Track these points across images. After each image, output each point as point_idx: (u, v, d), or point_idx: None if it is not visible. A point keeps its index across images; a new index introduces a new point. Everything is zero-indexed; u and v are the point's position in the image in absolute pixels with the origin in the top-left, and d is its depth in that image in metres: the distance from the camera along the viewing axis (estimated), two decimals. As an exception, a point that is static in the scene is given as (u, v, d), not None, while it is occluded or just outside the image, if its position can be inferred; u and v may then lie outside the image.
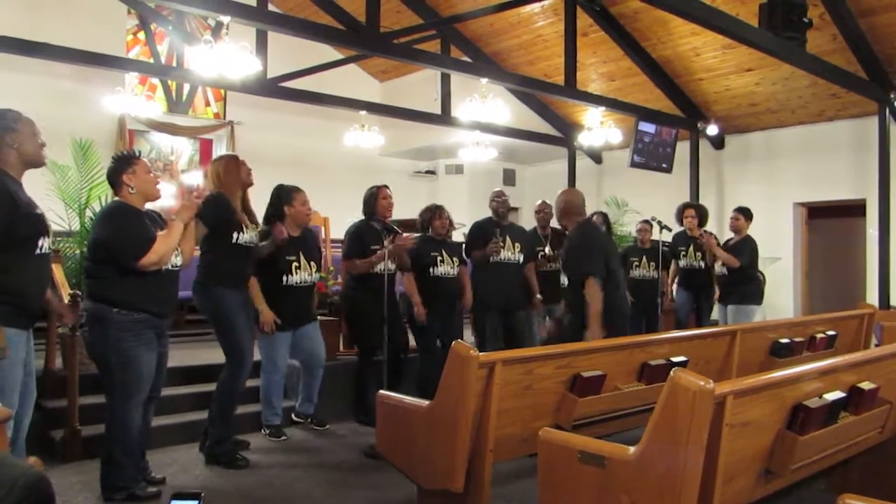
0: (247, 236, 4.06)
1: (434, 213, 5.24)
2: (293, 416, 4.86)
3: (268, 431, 4.58)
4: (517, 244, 5.38)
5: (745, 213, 6.28)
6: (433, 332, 5.11)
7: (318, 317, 4.94)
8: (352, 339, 5.30)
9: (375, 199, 4.91)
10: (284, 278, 4.41)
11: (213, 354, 4.65)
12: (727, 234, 6.57)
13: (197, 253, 3.87)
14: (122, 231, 3.21)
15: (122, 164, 3.32)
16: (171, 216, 3.36)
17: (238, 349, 4.02)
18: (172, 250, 3.30)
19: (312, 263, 4.55)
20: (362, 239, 4.84)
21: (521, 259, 5.42)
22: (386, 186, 5.02)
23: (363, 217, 4.97)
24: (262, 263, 4.30)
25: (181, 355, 5.17)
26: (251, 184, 4.21)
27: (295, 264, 4.45)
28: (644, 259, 6.40)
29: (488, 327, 5.30)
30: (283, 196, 4.51)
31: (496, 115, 8.25)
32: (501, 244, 5.24)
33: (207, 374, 4.79)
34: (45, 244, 2.96)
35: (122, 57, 8.74)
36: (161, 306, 3.37)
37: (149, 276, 3.24)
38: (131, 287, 3.22)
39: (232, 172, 4.09)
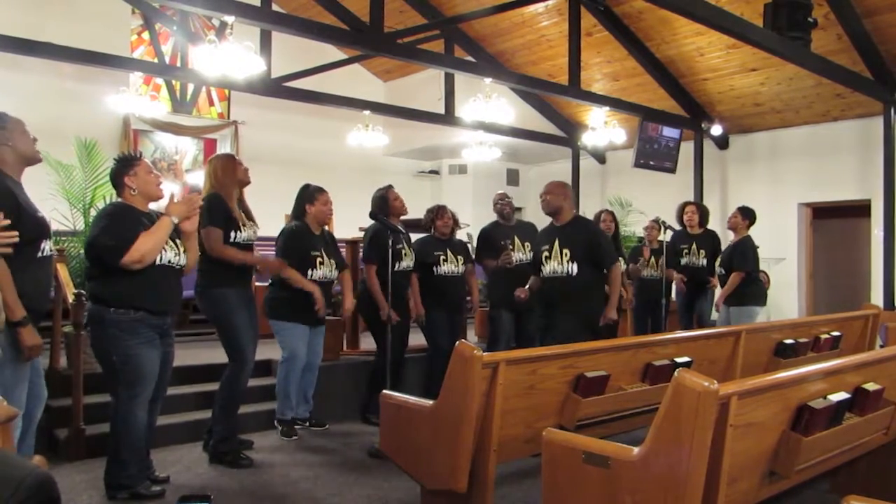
0: (244, 234, 4.09)
1: (436, 214, 5.30)
2: None
3: (281, 427, 4.59)
4: (527, 243, 5.38)
5: (744, 213, 6.21)
6: (439, 330, 5.11)
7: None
8: (374, 336, 5.28)
9: (388, 201, 4.95)
10: (309, 272, 4.51)
11: (216, 354, 4.64)
12: (728, 234, 6.55)
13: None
14: (106, 231, 3.20)
15: (124, 166, 3.35)
16: (169, 213, 3.34)
17: (240, 349, 4.02)
18: (157, 248, 3.23)
19: (333, 260, 4.66)
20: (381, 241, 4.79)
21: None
22: (391, 186, 5.08)
23: (372, 215, 4.86)
24: (291, 258, 4.47)
25: (185, 355, 5.16)
26: (248, 182, 4.23)
27: (319, 259, 4.57)
28: (651, 258, 6.38)
29: (503, 327, 5.31)
30: (307, 195, 4.66)
31: (500, 114, 8.24)
32: (511, 259, 5.24)
33: (211, 374, 4.79)
34: (46, 247, 2.97)
35: (127, 57, 8.73)
36: (159, 304, 3.32)
37: (145, 274, 3.21)
38: (126, 285, 3.21)
39: (228, 171, 4.10)
